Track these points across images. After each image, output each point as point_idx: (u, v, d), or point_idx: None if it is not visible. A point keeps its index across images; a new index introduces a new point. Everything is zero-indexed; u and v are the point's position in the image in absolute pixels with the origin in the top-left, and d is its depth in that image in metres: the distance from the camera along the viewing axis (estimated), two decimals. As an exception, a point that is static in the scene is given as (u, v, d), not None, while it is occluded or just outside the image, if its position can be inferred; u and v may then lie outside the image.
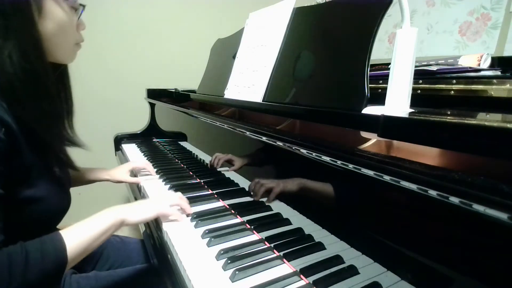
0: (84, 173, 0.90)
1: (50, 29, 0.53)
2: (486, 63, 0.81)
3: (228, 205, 0.78)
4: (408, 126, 0.38)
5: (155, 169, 1.04)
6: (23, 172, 0.50)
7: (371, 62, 0.51)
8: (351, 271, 0.46)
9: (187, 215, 0.71)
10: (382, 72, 0.76)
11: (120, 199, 1.96)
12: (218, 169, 0.90)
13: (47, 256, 0.45)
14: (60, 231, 0.49)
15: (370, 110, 0.47)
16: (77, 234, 0.50)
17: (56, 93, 0.59)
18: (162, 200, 0.68)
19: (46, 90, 0.54)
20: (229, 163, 0.85)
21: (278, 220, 0.64)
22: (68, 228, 0.51)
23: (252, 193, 0.74)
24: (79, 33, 0.62)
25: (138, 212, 0.62)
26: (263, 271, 0.53)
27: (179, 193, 0.74)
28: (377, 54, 1.75)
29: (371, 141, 0.49)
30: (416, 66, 0.59)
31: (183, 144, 1.23)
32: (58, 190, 0.58)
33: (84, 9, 0.62)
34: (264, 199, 0.70)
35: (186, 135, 1.20)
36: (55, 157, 0.57)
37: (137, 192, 0.96)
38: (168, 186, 0.91)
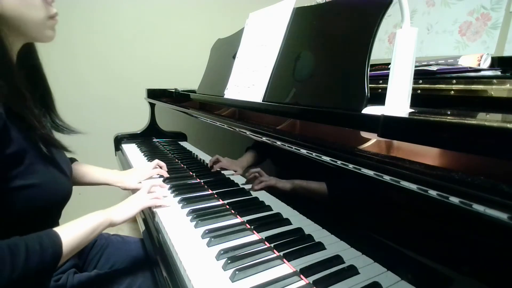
0: (92, 171, 0.89)
1: (12, 3, 0.51)
2: (486, 63, 0.81)
3: (228, 205, 0.78)
4: (408, 126, 0.38)
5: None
6: (16, 158, 0.50)
7: (371, 62, 0.51)
8: (351, 271, 0.46)
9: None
10: (382, 72, 0.76)
11: (120, 199, 1.96)
12: (222, 172, 0.90)
13: (46, 248, 0.48)
14: (54, 228, 0.53)
15: (370, 110, 0.47)
16: (71, 231, 0.54)
17: (16, 72, 0.56)
18: (142, 194, 0.77)
19: (6, 69, 0.52)
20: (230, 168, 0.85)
21: (278, 220, 0.64)
22: (62, 226, 0.55)
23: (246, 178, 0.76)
24: (49, 5, 0.58)
25: (122, 212, 0.69)
26: (263, 271, 0.53)
27: (154, 170, 0.90)
28: (377, 54, 1.75)
29: (371, 141, 0.49)
30: (416, 66, 0.59)
31: (183, 144, 1.23)
32: (55, 177, 0.58)
33: None
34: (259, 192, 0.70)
35: (186, 135, 1.20)
36: (40, 138, 0.56)
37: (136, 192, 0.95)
38: (168, 186, 0.91)
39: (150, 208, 0.80)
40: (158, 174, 1.00)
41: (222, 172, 0.88)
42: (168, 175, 0.99)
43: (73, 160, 0.88)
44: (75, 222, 0.57)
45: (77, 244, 0.55)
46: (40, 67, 0.69)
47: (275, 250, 0.58)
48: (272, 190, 0.67)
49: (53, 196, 0.57)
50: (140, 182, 0.92)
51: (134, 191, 0.89)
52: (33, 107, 0.57)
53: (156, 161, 1.02)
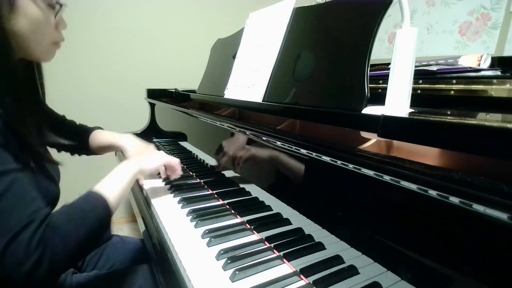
0: (102, 133, 0.89)
1: (23, 26, 0.51)
2: (486, 63, 0.81)
3: (228, 205, 0.78)
4: (408, 126, 0.38)
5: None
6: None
7: (371, 62, 0.51)
8: (351, 271, 0.46)
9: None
10: (382, 72, 0.76)
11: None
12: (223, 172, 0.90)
13: (97, 208, 0.53)
14: (96, 187, 0.56)
15: (370, 110, 0.47)
16: (111, 186, 0.58)
17: (25, 91, 0.56)
18: (164, 153, 0.81)
19: (13, 87, 0.52)
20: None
21: (278, 220, 0.64)
22: (100, 183, 0.58)
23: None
24: (58, 33, 0.58)
25: (150, 162, 0.73)
26: (263, 271, 0.53)
27: (161, 167, 0.85)
28: (377, 54, 1.75)
29: (371, 141, 0.49)
30: (416, 66, 0.59)
31: (183, 144, 1.23)
32: (43, 182, 0.57)
33: (61, 8, 0.58)
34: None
35: (186, 135, 1.20)
36: (34, 155, 0.56)
37: (136, 191, 0.95)
38: (168, 186, 0.91)
39: (149, 207, 0.80)
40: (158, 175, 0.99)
41: (222, 172, 0.88)
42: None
43: (96, 127, 0.90)
44: (112, 175, 0.60)
45: (120, 196, 0.58)
46: (43, 84, 0.69)
47: (275, 250, 0.58)
48: (269, 186, 0.67)
49: None
50: None
51: None
52: (33, 128, 0.58)
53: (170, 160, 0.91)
